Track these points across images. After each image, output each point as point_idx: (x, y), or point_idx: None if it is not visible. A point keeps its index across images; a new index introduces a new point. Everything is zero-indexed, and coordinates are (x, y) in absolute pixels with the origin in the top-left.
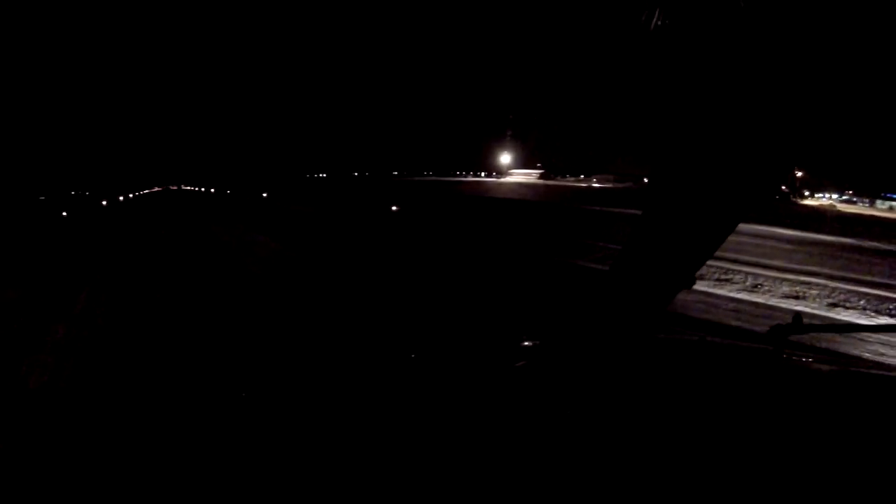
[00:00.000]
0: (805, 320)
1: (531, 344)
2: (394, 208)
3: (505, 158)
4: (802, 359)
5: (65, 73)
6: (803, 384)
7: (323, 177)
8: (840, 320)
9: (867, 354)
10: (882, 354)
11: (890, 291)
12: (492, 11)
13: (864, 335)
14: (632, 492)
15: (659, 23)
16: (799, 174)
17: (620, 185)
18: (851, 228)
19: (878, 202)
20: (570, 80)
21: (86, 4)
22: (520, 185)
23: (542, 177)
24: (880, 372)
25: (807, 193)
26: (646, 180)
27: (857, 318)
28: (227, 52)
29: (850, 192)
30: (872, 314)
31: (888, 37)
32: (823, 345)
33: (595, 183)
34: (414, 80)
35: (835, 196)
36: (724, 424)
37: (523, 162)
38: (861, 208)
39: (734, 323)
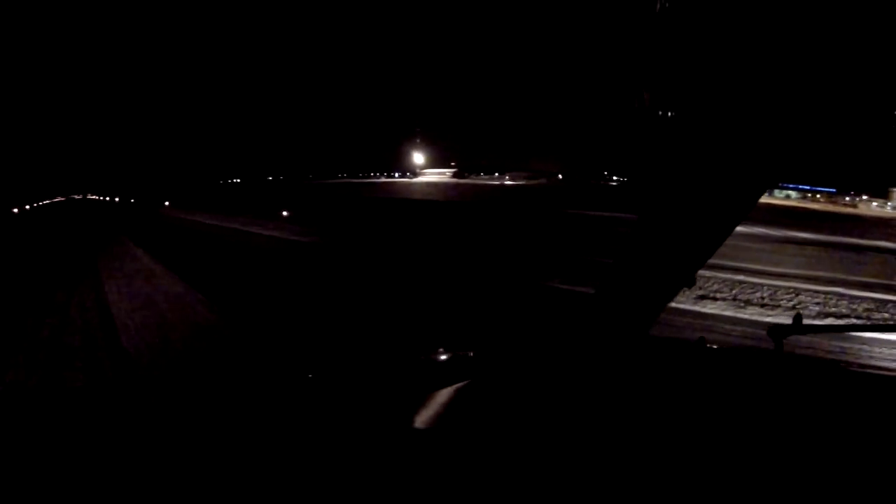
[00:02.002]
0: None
1: (455, 355)
2: (284, 214)
3: (418, 158)
4: (802, 359)
5: None
6: (802, 385)
7: (237, 182)
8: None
9: (866, 354)
10: (881, 354)
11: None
12: (401, 12)
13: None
14: (631, 493)
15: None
16: None
17: (533, 182)
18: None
19: (776, 191)
20: (482, 79)
21: None
22: (428, 184)
23: (454, 175)
24: (880, 372)
25: None
26: (560, 176)
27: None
28: (137, 54)
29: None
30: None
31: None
32: (824, 345)
33: (507, 180)
34: (328, 81)
35: None
36: (724, 425)
37: (437, 161)
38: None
39: None
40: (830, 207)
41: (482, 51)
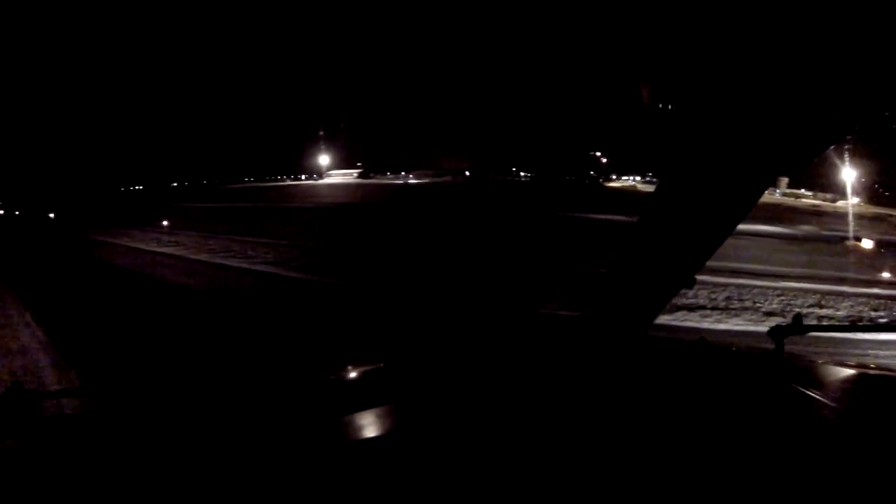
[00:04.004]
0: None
1: (365, 371)
2: (164, 223)
3: (324, 160)
4: (802, 359)
5: None
6: (802, 384)
7: (139, 189)
8: None
9: (865, 354)
10: (881, 354)
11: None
12: (304, 10)
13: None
14: (631, 494)
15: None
16: (604, 160)
17: (439, 180)
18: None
19: None
20: (388, 76)
21: None
22: (332, 186)
23: (360, 176)
24: (879, 372)
25: (613, 177)
26: (467, 174)
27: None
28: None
29: (651, 174)
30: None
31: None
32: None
33: (412, 179)
34: (233, 84)
35: (638, 178)
36: (724, 425)
37: (343, 162)
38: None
39: None
40: None
41: (386, 47)
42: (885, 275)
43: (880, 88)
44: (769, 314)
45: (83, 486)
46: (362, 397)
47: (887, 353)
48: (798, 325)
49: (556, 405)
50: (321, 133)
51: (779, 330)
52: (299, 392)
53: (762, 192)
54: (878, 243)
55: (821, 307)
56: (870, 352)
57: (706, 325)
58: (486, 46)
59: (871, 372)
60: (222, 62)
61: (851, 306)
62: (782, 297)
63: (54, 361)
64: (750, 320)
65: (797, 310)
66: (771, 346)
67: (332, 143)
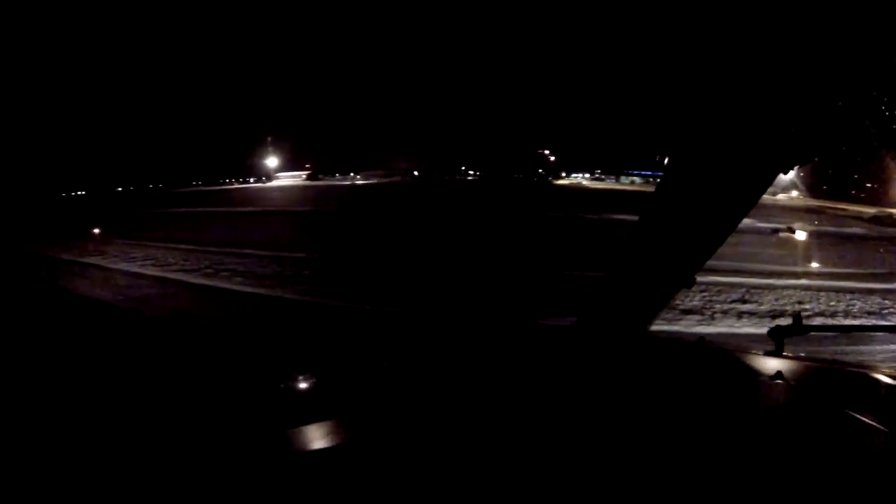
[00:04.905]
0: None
1: (317, 381)
2: (95, 231)
3: (272, 161)
4: (802, 359)
5: None
6: (802, 384)
7: (81, 194)
8: None
9: (866, 354)
10: (881, 354)
11: None
12: (254, 8)
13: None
14: (631, 494)
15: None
16: (552, 158)
17: (387, 181)
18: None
19: (623, 178)
20: (334, 78)
21: None
22: (280, 189)
23: (308, 177)
24: (879, 372)
25: (563, 174)
26: (416, 173)
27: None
28: None
29: (599, 171)
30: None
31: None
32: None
33: (359, 180)
34: (179, 85)
35: (586, 175)
36: (724, 425)
37: (291, 163)
38: (607, 184)
39: None
40: None
41: (334, 47)
42: (815, 265)
43: (881, 88)
44: (687, 312)
45: None
46: (315, 408)
47: None
48: (798, 325)
49: (555, 405)
50: (270, 134)
51: (779, 330)
52: (243, 403)
53: (764, 190)
54: (812, 234)
55: (744, 302)
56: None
57: None
58: (433, 46)
59: (871, 372)
60: (168, 62)
61: (776, 300)
62: (704, 294)
63: None
64: (665, 319)
65: (718, 305)
66: (771, 346)
67: (281, 144)
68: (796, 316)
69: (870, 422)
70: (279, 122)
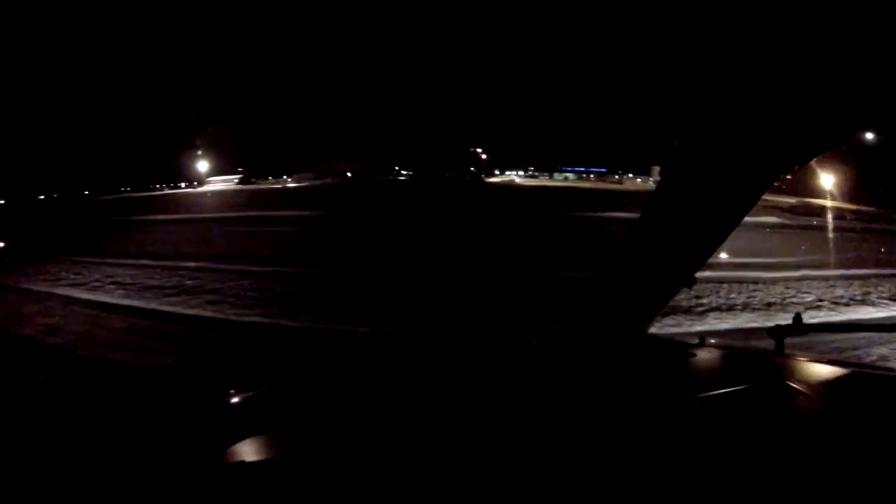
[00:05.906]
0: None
1: (247, 396)
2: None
3: (203, 165)
4: (802, 359)
5: None
6: (802, 384)
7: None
8: None
9: (866, 354)
10: (881, 353)
11: None
12: (185, 5)
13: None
14: (631, 494)
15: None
16: (484, 157)
17: (318, 183)
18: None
19: (556, 175)
20: (266, 79)
21: None
22: (212, 195)
23: (241, 181)
24: (879, 372)
25: (496, 172)
26: (348, 174)
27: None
28: None
29: (532, 168)
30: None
31: None
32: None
33: (290, 182)
34: (103, 86)
35: (520, 173)
36: (724, 425)
37: (223, 167)
38: (541, 181)
39: None
40: (601, 185)
41: (264, 47)
42: (724, 256)
43: (880, 88)
44: None
45: None
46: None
47: None
48: (798, 325)
49: (554, 405)
50: (199, 137)
51: (779, 329)
52: (183, 416)
53: (766, 189)
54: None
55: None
56: None
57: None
58: (364, 46)
59: (871, 371)
60: (90, 62)
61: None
62: None
63: None
64: None
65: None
66: (771, 345)
67: (212, 147)
68: (796, 316)
69: (870, 422)
70: (208, 123)
